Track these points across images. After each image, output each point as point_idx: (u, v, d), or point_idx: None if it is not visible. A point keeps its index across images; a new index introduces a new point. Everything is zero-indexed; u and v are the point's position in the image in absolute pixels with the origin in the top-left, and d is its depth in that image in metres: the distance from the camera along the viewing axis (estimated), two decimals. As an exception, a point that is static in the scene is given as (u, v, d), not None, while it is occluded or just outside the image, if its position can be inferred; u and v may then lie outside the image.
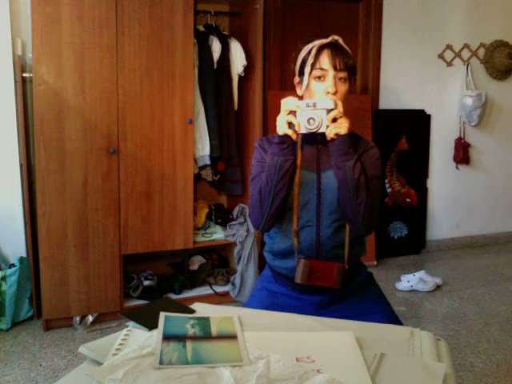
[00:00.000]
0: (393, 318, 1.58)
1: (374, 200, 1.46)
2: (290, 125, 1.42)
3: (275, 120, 1.46)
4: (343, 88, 1.49)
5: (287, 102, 1.43)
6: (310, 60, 1.49)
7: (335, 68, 1.47)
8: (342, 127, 1.40)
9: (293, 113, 1.42)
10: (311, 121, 1.40)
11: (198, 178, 3.40)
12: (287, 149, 1.44)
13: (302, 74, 1.54)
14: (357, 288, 1.61)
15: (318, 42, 1.51)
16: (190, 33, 2.98)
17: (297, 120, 1.41)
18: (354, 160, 1.42)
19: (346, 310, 1.55)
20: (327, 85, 1.47)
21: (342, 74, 1.48)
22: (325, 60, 1.48)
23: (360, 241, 1.59)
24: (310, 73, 1.50)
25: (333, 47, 1.50)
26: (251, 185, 1.55)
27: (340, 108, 1.40)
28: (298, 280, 1.48)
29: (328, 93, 1.46)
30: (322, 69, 1.48)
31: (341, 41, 1.53)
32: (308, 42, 1.55)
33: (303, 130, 1.42)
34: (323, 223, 1.49)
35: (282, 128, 1.43)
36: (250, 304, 1.63)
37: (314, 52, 1.49)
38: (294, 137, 1.43)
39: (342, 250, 1.51)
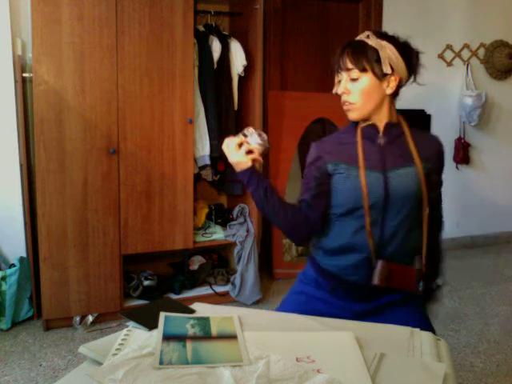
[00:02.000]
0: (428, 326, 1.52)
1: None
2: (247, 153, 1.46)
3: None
4: (355, 86, 1.44)
5: (227, 143, 1.48)
6: (335, 65, 1.49)
7: (342, 69, 1.45)
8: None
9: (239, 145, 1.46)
10: (262, 135, 1.47)
11: (197, 178, 3.40)
12: (251, 181, 1.46)
13: None
14: (400, 301, 1.53)
15: (345, 42, 1.49)
16: (190, 33, 2.98)
17: (248, 140, 1.46)
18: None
19: (383, 318, 1.49)
20: (340, 90, 1.47)
21: (353, 75, 1.44)
22: (336, 62, 1.47)
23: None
24: (336, 76, 1.50)
25: (348, 46, 1.46)
26: None
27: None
28: (375, 282, 1.43)
29: (341, 95, 1.47)
30: (336, 71, 1.48)
31: (369, 36, 1.45)
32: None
33: (259, 143, 1.46)
34: (389, 223, 1.45)
35: (239, 163, 1.46)
36: (284, 307, 1.57)
37: (336, 55, 1.48)
38: (258, 162, 1.47)
39: (407, 253, 1.47)
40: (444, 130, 4.41)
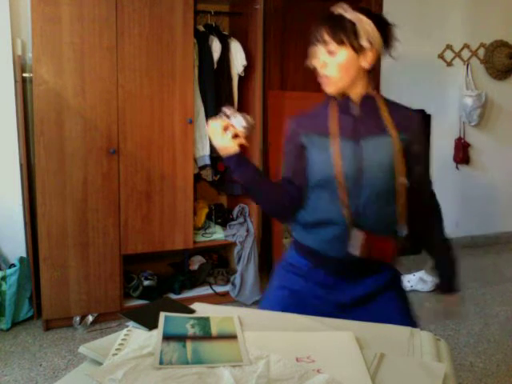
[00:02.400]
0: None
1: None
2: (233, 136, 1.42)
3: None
4: (334, 61, 1.42)
5: (212, 126, 1.45)
6: (311, 38, 1.47)
7: (319, 42, 1.43)
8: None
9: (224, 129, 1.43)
10: (247, 117, 1.43)
11: (197, 178, 3.40)
12: (239, 166, 1.46)
13: None
14: (383, 288, 1.52)
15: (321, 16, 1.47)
16: (190, 33, 2.98)
17: (233, 123, 1.43)
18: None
19: (366, 315, 1.47)
20: (317, 63, 1.45)
21: (330, 48, 1.42)
22: (313, 35, 1.45)
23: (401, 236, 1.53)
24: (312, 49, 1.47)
25: (325, 19, 1.44)
26: None
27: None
28: (354, 251, 1.41)
29: (317, 68, 1.45)
30: (312, 44, 1.45)
31: (346, 9, 1.43)
32: None
33: (244, 126, 1.43)
34: (364, 194, 1.42)
35: (225, 148, 1.44)
36: (268, 304, 1.54)
37: (313, 28, 1.46)
38: (242, 142, 1.45)
39: (382, 225, 1.47)
40: (444, 130, 4.42)
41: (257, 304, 3.29)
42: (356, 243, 1.42)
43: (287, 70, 3.94)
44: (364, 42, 1.41)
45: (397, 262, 1.49)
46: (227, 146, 1.44)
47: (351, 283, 1.50)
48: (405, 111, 1.52)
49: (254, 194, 1.53)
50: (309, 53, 1.48)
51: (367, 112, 1.46)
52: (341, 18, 1.42)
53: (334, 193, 1.42)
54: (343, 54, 1.41)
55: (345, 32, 1.40)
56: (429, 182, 1.60)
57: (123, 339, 1.12)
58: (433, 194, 1.63)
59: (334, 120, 1.46)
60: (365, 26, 1.41)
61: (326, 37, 1.41)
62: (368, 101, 1.47)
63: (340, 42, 1.41)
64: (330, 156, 1.42)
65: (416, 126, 1.49)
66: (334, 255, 1.47)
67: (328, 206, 1.45)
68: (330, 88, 1.45)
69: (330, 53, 1.42)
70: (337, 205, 1.43)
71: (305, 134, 1.48)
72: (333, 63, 1.42)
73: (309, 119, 1.52)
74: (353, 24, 1.40)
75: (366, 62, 1.44)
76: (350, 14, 1.41)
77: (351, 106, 1.47)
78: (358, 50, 1.42)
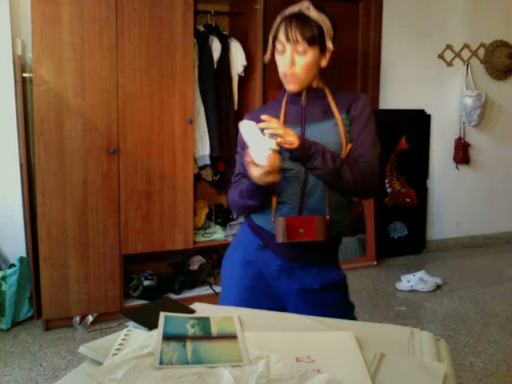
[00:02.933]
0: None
1: (366, 171, 1.47)
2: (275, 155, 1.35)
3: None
4: (302, 60, 1.45)
5: (246, 129, 1.39)
6: (272, 32, 1.50)
7: (290, 41, 1.45)
8: (290, 139, 1.39)
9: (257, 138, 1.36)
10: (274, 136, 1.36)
11: (197, 178, 3.40)
12: (259, 194, 1.48)
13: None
14: (327, 287, 1.57)
15: (285, 11, 1.49)
16: (190, 33, 2.98)
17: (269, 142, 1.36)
18: (320, 156, 1.42)
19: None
20: (284, 61, 1.47)
21: (300, 48, 1.45)
22: (282, 33, 1.46)
23: (344, 209, 1.55)
24: (273, 45, 1.50)
25: (294, 18, 1.45)
26: (233, 181, 1.61)
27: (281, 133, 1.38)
28: (278, 239, 1.46)
29: (285, 67, 1.47)
30: (279, 41, 1.47)
31: (310, 8, 1.46)
32: (289, 7, 1.51)
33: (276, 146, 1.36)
34: (310, 176, 1.47)
35: (266, 175, 1.37)
36: (228, 301, 1.62)
37: (276, 23, 1.49)
38: (277, 178, 1.39)
39: (325, 205, 1.48)
40: (444, 130, 4.42)
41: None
42: (278, 230, 1.46)
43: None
44: (329, 44, 1.47)
45: (323, 237, 1.46)
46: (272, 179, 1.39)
47: (298, 272, 1.56)
48: (350, 95, 1.56)
49: (242, 204, 1.56)
50: (269, 47, 1.52)
51: (314, 100, 1.53)
52: (307, 17, 1.45)
53: (284, 174, 1.46)
54: (311, 54, 1.46)
55: (314, 33, 1.45)
56: (375, 151, 1.55)
57: (123, 339, 1.12)
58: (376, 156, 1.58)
59: (283, 110, 1.54)
60: (327, 26, 1.47)
61: (299, 37, 1.44)
62: (314, 92, 1.53)
63: (311, 43, 1.45)
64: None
65: (360, 103, 1.53)
66: (281, 241, 1.50)
67: (285, 187, 1.49)
68: (295, 86, 1.50)
69: (300, 52, 1.45)
70: (288, 185, 1.49)
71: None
72: (301, 62, 1.46)
73: (261, 112, 1.54)
74: (318, 25, 1.45)
75: (325, 60, 1.51)
76: (313, 14, 1.45)
77: (300, 98, 1.53)
78: (323, 50, 1.48)
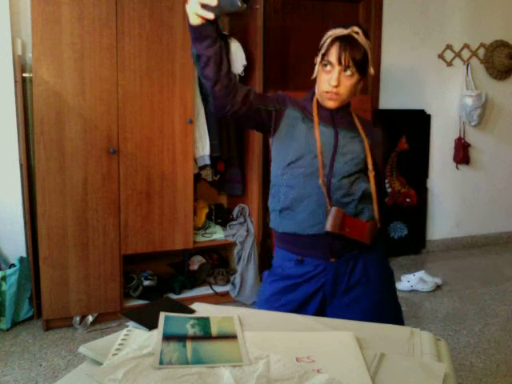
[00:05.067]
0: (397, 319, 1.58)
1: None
2: (204, 7, 1.33)
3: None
4: (348, 82, 1.52)
5: None
6: (322, 50, 1.53)
7: (341, 63, 1.49)
8: None
9: None
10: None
11: (198, 177, 3.40)
12: (207, 38, 1.41)
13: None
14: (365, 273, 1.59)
15: (336, 32, 1.52)
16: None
17: None
18: None
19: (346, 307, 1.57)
20: (331, 77, 1.51)
21: (349, 71, 1.50)
22: (333, 54, 1.50)
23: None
24: (320, 62, 1.54)
25: (345, 41, 1.50)
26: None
27: None
28: (328, 228, 1.49)
29: (331, 85, 1.51)
30: (329, 61, 1.51)
31: (360, 33, 1.52)
32: (337, 27, 1.54)
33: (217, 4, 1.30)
34: (336, 168, 1.53)
35: (193, 15, 1.38)
36: (261, 298, 1.63)
37: (327, 43, 1.52)
38: (210, 16, 1.35)
39: (352, 201, 1.54)
40: (444, 130, 4.42)
41: (257, 304, 3.29)
42: (330, 218, 1.49)
43: (287, 70, 3.94)
44: (371, 69, 1.56)
45: (370, 241, 1.55)
46: (191, 14, 1.40)
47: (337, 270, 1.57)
48: (369, 123, 1.70)
49: (213, 67, 1.45)
50: (317, 66, 1.56)
51: (341, 112, 1.60)
52: (357, 43, 1.51)
53: (311, 166, 1.52)
54: (356, 76, 1.53)
55: (363, 60, 1.51)
56: (382, 175, 1.75)
57: (123, 339, 1.12)
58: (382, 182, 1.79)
59: (315, 111, 1.59)
60: (371, 53, 1.54)
61: (351, 62, 1.49)
62: (344, 107, 1.61)
63: (359, 68, 1.51)
64: (313, 134, 1.54)
65: (377, 135, 1.68)
66: (315, 233, 1.53)
67: (304, 181, 1.53)
68: (336, 103, 1.56)
69: (347, 75, 1.51)
70: (313, 178, 1.52)
71: (292, 108, 1.59)
72: (346, 84, 1.52)
73: (298, 103, 1.63)
74: (365, 51, 1.52)
75: (362, 84, 1.59)
76: (361, 39, 1.51)
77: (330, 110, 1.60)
78: (364, 75, 1.55)
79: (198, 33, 1.41)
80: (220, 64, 1.44)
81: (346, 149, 1.55)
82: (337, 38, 1.51)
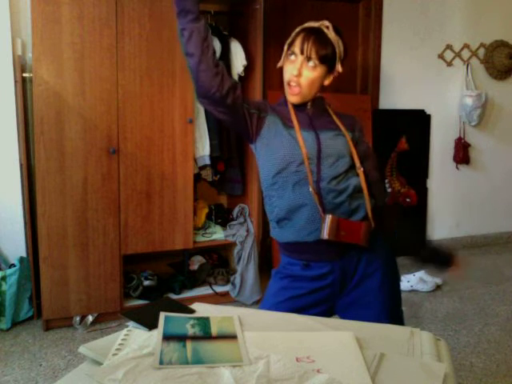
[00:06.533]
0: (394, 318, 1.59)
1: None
2: None
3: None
4: (310, 74, 1.51)
5: None
6: (289, 40, 1.55)
7: (303, 53, 1.50)
8: None
9: None
10: None
11: (198, 177, 3.40)
12: (189, 13, 1.42)
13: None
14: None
15: (305, 25, 1.54)
16: (190, 33, 2.97)
17: None
18: None
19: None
20: (292, 70, 1.51)
21: (311, 63, 1.51)
22: (297, 44, 1.51)
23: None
24: (286, 52, 1.55)
25: (312, 33, 1.51)
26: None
27: None
28: (324, 236, 1.48)
29: (292, 75, 1.52)
30: (293, 52, 1.52)
31: (330, 28, 1.52)
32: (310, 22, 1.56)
33: None
34: (325, 177, 1.52)
35: None
36: (267, 303, 1.61)
37: (294, 33, 1.54)
38: None
39: (345, 199, 1.53)
40: (444, 130, 4.42)
41: (257, 304, 3.29)
42: (325, 226, 1.49)
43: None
44: (339, 66, 1.55)
45: (366, 243, 1.55)
46: None
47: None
48: (348, 116, 1.67)
49: (199, 43, 1.50)
50: (284, 54, 1.56)
51: (318, 112, 1.59)
52: (325, 36, 1.51)
53: (299, 174, 1.51)
54: (319, 70, 1.52)
55: (328, 53, 1.51)
56: (376, 167, 1.70)
57: (123, 339, 1.12)
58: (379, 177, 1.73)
59: (293, 115, 1.57)
60: (340, 49, 1.53)
61: (313, 53, 1.49)
62: (318, 103, 1.60)
63: (322, 61, 1.51)
64: (297, 141, 1.52)
65: (358, 126, 1.66)
66: (311, 240, 1.53)
67: (294, 190, 1.53)
68: (297, 98, 1.56)
69: (309, 67, 1.51)
70: (302, 186, 1.52)
71: (272, 115, 1.57)
72: (307, 75, 1.52)
73: (276, 109, 1.61)
74: (333, 46, 1.52)
75: (329, 81, 1.57)
76: (330, 34, 1.52)
77: (305, 106, 1.58)
78: (330, 71, 1.55)
79: (181, 7, 1.42)
80: (203, 41, 1.47)
81: (330, 150, 1.54)
82: (304, 30, 1.53)
